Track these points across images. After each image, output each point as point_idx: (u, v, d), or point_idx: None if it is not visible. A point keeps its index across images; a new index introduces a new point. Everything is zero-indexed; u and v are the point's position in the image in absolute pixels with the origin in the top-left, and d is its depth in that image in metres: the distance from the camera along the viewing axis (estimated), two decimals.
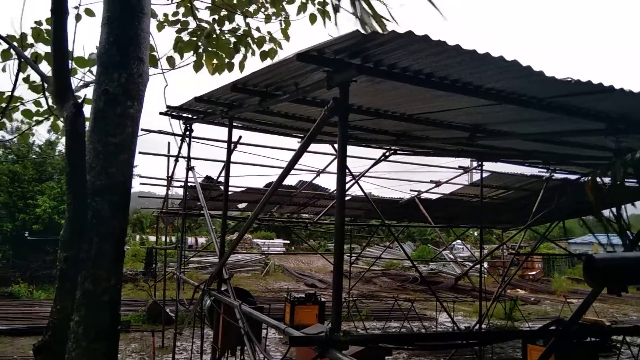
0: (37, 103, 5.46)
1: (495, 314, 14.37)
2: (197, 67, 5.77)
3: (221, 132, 8.71)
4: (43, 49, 5.25)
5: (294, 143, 9.20)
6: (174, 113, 7.53)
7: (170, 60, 5.80)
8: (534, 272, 30.57)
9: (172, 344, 10.08)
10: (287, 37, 6.12)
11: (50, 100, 4.31)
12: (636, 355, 10.84)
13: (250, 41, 5.95)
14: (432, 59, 3.48)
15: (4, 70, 5.18)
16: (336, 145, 3.65)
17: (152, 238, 31.27)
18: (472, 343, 6.11)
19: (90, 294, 4.31)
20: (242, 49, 5.93)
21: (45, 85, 3.89)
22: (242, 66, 5.87)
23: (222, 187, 8.74)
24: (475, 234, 32.48)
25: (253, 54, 5.98)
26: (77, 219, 3.07)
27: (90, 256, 4.25)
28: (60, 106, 3.05)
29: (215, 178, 11.56)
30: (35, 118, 5.46)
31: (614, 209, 3.87)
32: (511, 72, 3.67)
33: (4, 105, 5.02)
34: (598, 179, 3.54)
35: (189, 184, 10.04)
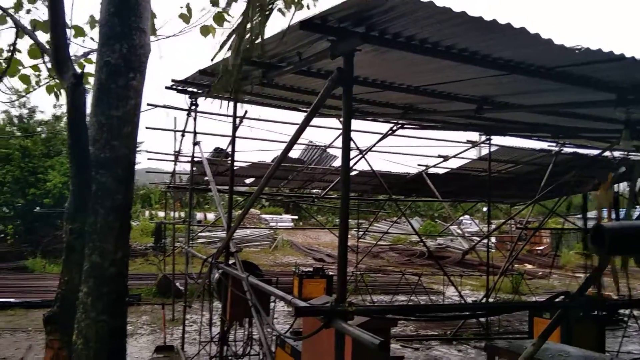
0: (35, 68, 5.43)
1: (502, 288, 14.43)
2: (205, 31, 5.69)
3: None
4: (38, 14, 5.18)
5: (301, 118, 9.13)
6: (179, 87, 7.48)
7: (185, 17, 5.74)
8: (542, 247, 30.51)
9: (182, 316, 10.27)
10: None
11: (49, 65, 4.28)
12: None
13: None
14: (438, 26, 3.40)
15: None
16: (342, 119, 3.64)
17: (161, 213, 31.53)
18: (479, 314, 6.13)
19: (98, 267, 4.34)
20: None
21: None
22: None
23: (229, 162, 8.74)
24: (484, 209, 32.41)
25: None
26: (80, 191, 3.08)
27: (96, 229, 4.27)
28: (60, 77, 3.03)
29: (223, 149, 11.53)
30: (33, 83, 5.44)
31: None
32: (519, 40, 3.59)
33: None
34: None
35: (196, 159, 10.05)
